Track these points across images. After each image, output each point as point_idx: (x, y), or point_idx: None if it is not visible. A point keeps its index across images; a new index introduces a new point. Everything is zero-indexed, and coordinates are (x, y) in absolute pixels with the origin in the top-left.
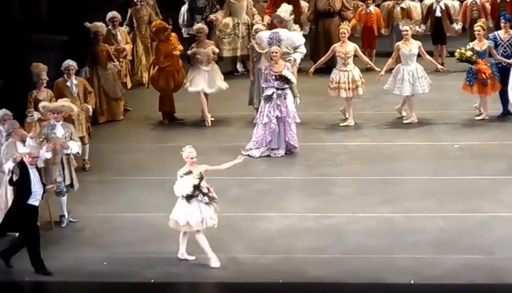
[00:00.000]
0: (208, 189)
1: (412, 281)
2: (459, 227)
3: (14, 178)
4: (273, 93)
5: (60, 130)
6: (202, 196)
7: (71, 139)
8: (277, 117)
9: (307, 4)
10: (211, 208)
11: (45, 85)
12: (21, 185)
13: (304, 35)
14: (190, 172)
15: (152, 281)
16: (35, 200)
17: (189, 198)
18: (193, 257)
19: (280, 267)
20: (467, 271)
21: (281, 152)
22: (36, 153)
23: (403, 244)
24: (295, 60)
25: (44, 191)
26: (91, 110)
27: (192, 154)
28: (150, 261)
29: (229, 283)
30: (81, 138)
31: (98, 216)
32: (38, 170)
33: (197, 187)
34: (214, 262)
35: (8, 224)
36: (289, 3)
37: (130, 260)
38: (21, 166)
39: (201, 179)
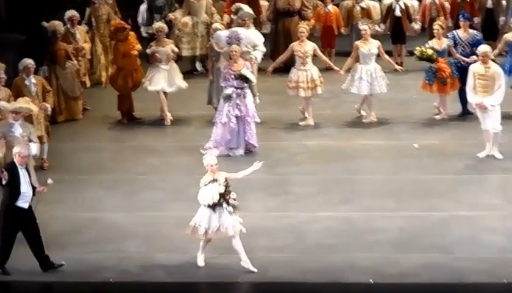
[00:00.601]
0: (234, 198)
1: (371, 281)
2: (418, 227)
3: (3, 181)
4: (232, 92)
5: (18, 130)
6: (226, 204)
7: (29, 140)
8: (236, 116)
9: (267, 3)
10: (233, 216)
11: (3, 83)
12: (9, 186)
13: (264, 34)
14: (215, 180)
15: (111, 280)
16: (23, 202)
17: (214, 206)
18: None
19: (240, 266)
20: (426, 270)
21: (241, 151)
22: (25, 152)
23: (363, 243)
24: (255, 58)
25: (33, 194)
26: (49, 109)
27: (213, 162)
28: (110, 261)
29: (188, 283)
30: (40, 138)
31: (57, 215)
32: (28, 170)
33: (223, 195)
34: (249, 266)
35: None
36: (248, 3)
37: (89, 260)
38: (11, 166)
39: (227, 187)
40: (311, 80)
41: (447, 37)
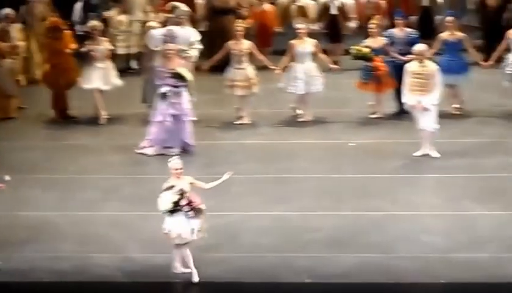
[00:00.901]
0: (190, 202)
1: (307, 280)
2: (355, 226)
3: None
4: (168, 90)
5: None
6: (186, 210)
7: None
8: (172, 115)
9: (202, 1)
10: (199, 220)
11: None
12: None
13: (199, 32)
14: (172, 187)
15: (45, 280)
16: None
17: (171, 212)
18: (188, 269)
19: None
20: (362, 270)
21: (176, 150)
22: None
23: (299, 243)
24: (190, 57)
25: None
26: None
27: (176, 165)
28: (44, 260)
29: (122, 283)
30: None
31: None
32: None
33: (176, 204)
34: (195, 277)
35: None
36: (184, 1)
37: (23, 260)
38: None
39: (181, 195)
40: (248, 78)
41: (383, 36)
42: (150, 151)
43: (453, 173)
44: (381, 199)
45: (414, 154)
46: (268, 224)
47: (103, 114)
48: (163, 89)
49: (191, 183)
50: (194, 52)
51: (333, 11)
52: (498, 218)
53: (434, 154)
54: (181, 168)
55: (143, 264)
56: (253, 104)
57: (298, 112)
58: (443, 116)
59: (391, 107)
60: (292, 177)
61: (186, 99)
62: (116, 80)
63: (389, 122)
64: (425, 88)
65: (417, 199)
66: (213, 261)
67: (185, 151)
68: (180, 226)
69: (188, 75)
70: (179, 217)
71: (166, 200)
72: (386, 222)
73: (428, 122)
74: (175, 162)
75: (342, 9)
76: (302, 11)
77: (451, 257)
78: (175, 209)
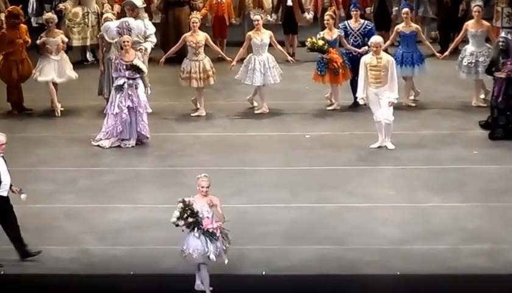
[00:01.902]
0: (201, 223)
1: (264, 272)
2: (311, 218)
3: None
4: (124, 82)
5: None
6: (194, 228)
7: None
8: (128, 107)
9: None
10: (217, 244)
11: None
12: None
13: (155, 24)
14: (189, 202)
15: (2, 272)
16: (3, 190)
17: (188, 228)
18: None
19: (131, 258)
20: (318, 262)
21: (132, 142)
22: (3, 140)
23: (255, 235)
24: (146, 49)
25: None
26: None
27: (203, 183)
28: (1, 253)
29: (80, 275)
30: None
31: None
32: (4, 159)
33: (179, 218)
34: None
35: None
36: None
37: None
38: None
39: (186, 213)
40: (204, 70)
41: (338, 28)
42: (106, 143)
43: (409, 164)
44: (338, 191)
45: (371, 146)
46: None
47: (58, 106)
48: (119, 81)
49: (211, 205)
50: (148, 45)
51: (289, 2)
52: (455, 210)
53: (390, 146)
54: (207, 187)
55: (100, 256)
56: (209, 96)
57: (255, 104)
58: (399, 108)
59: (347, 98)
60: (249, 170)
61: (142, 91)
62: (71, 73)
63: (345, 114)
64: (381, 80)
65: (373, 191)
66: (171, 253)
67: (141, 143)
68: (193, 245)
69: (144, 67)
70: (193, 236)
71: (174, 212)
72: (342, 214)
73: (384, 114)
74: (202, 180)
75: (297, 0)
76: (258, 3)
77: (408, 249)
78: (177, 223)
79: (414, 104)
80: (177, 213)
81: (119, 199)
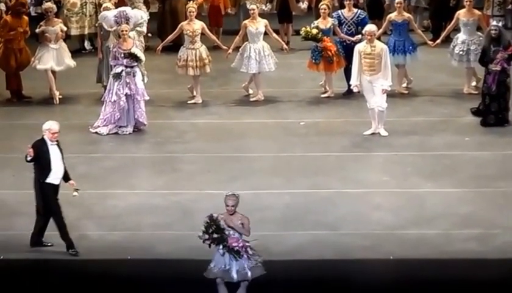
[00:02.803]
0: (223, 240)
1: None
2: (305, 204)
3: (28, 158)
4: (122, 70)
5: None
6: (220, 246)
7: None
8: (126, 95)
9: None
10: (243, 262)
11: None
12: (39, 163)
13: (152, 13)
14: (208, 216)
15: (1, 257)
16: (55, 178)
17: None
18: None
19: (128, 243)
20: (313, 247)
21: (130, 129)
22: (56, 128)
23: (250, 220)
24: (143, 31)
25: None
26: None
27: (229, 202)
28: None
29: (78, 260)
30: None
31: None
32: (60, 147)
33: (204, 233)
34: None
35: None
36: None
37: None
38: (39, 143)
39: (211, 227)
40: (200, 59)
41: (332, 17)
42: (104, 130)
43: (402, 151)
44: (332, 177)
45: (364, 133)
46: (220, 203)
47: (57, 94)
48: (117, 69)
49: (239, 224)
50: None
51: None
52: (447, 196)
53: (383, 132)
54: (232, 205)
55: (97, 241)
56: (205, 84)
57: (250, 91)
58: (392, 95)
59: (340, 86)
60: (244, 156)
61: (139, 79)
62: (70, 61)
63: (339, 102)
64: (375, 68)
65: (367, 177)
66: (167, 238)
67: (138, 130)
68: (215, 260)
69: (142, 55)
70: (218, 252)
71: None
72: (336, 200)
73: (377, 101)
74: (229, 198)
75: None
76: None
77: (401, 234)
78: (203, 238)
79: (406, 92)
80: (202, 228)
81: (116, 185)
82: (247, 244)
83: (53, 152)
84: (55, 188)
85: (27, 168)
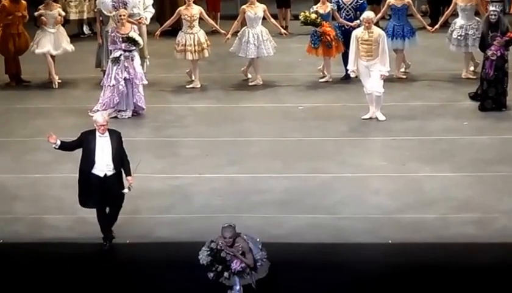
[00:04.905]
0: (227, 267)
1: (258, 240)
2: (303, 188)
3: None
4: (120, 55)
5: None
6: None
7: None
8: (124, 79)
9: None
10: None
11: None
12: (83, 153)
13: None
14: (209, 249)
15: (1, 241)
16: (98, 170)
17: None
18: None
19: (127, 227)
20: (311, 230)
21: (129, 113)
22: (101, 121)
23: (249, 204)
24: (146, 18)
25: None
26: None
27: (225, 234)
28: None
29: (76, 244)
30: None
31: None
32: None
33: (210, 269)
34: None
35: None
36: None
37: None
38: (87, 133)
39: (216, 260)
40: (198, 43)
41: (331, 1)
42: (103, 113)
43: (400, 135)
44: (330, 162)
45: (362, 117)
46: (219, 186)
47: (56, 78)
48: (116, 53)
49: (239, 253)
50: (149, 15)
51: None
52: (445, 180)
53: (381, 116)
54: (229, 237)
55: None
56: (204, 68)
57: (249, 76)
58: (390, 80)
59: (338, 71)
60: (243, 140)
61: (138, 63)
62: (67, 45)
63: (337, 86)
64: (372, 54)
65: (365, 161)
66: (166, 222)
67: (137, 114)
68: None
69: (140, 39)
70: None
71: (202, 256)
72: (334, 184)
73: (374, 86)
74: (225, 230)
75: None
76: None
77: (399, 218)
78: (209, 274)
79: (404, 76)
80: (205, 259)
81: None
82: (249, 263)
83: (101, 144)
84: (101, 180)
85: (25, 151)
